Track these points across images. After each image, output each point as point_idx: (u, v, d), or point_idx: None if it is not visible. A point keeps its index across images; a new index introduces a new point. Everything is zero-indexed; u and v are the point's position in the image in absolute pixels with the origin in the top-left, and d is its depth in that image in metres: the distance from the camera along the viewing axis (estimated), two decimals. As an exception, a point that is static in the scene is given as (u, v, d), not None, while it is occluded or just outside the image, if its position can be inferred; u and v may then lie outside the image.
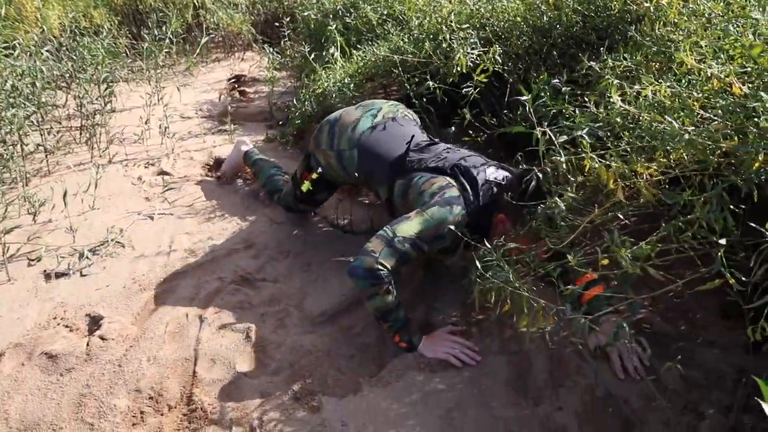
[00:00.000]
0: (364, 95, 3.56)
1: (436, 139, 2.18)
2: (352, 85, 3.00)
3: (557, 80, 1.75)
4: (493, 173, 1.91)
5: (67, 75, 3.75)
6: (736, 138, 1.27)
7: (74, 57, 3.71)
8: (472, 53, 2.52)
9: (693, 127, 1.34)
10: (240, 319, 1.99)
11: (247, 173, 3.00)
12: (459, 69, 2.43)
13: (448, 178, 1.90)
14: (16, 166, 2.92)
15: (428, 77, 2.63)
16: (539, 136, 1.50)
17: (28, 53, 3.53)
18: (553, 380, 1.66)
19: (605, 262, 1.28)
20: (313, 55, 3.62)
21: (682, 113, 1.41)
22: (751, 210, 1.30)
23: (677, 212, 1.30)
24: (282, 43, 4.10)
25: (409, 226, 1.78)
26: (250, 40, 5.14)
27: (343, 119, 2.21)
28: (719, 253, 1.16)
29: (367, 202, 2.70)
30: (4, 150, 2.89)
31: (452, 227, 1.76)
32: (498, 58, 2.42)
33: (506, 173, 1.93)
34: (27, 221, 2.63)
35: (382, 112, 2.23)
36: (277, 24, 4.39)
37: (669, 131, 1.34)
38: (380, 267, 1.73)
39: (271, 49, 3.99)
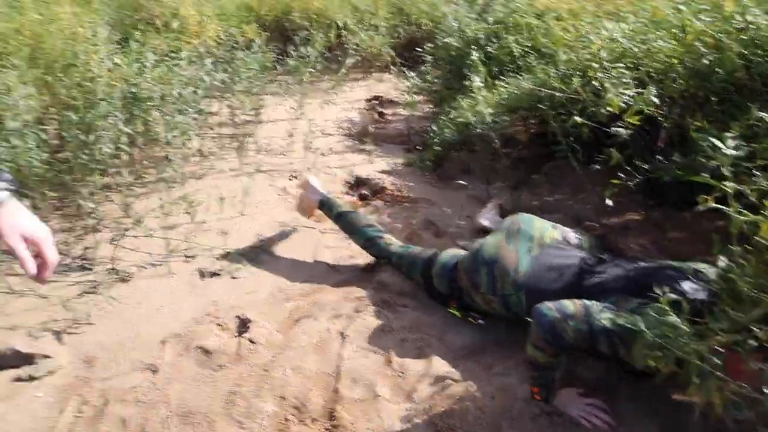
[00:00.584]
0: (505, 127, 3.58)
1: (604, 256, 1.96)
2: (493, 117, 3.00)
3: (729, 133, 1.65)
4: (693, 289, 1.61)
5: (223, 85, 4.03)
6: None
7: (230, 68, 3.99)
8: (626, 93, 2.46)
9: None
10: (381, 341, 2.05)
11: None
12: (610, 109, 2.38)
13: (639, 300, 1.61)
14: (179, 168, 3.18)
15: (575, 113, 2.60)
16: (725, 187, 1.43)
17: (190, 63, 3.83)
18: None
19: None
20: (452, 83, 3.68)
21: None
22: None
23: None
24: (421, 67, 4.18)
25: (614, 317, 1.57)
26: (388, 62, 5.29)
27: (501, 262, 1.98)
28: None
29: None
30: (171, 152, 3.16)
31: None
32: (654, 99, 2.34)
33: (704, 289, 1.61)
34: (185, 220, 2.85)
35: (536, 240, 2.03)
36: (416, 48, 4.49)
37: None
38: (565, 331, 1.61)
39: (412, 74, 4.09)
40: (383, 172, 3.35)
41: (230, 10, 6.06)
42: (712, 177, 1.49)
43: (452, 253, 2.24)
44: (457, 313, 2.12)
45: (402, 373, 1.92)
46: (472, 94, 3.32)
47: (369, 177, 3.28)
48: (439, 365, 1.92)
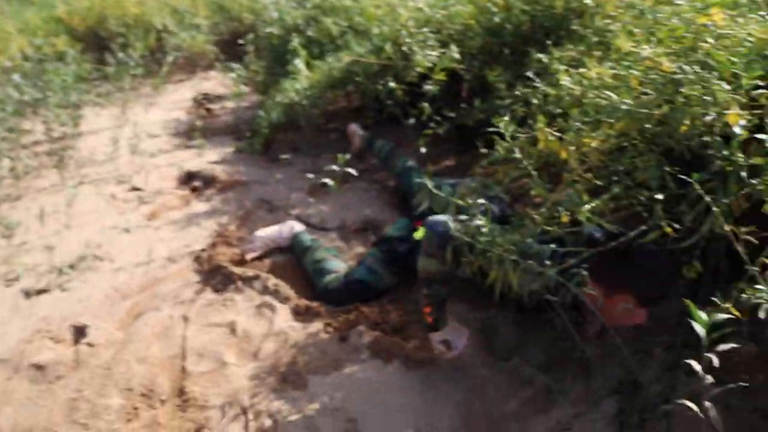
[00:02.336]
0: (327, 103, 3.69)
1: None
2: (315, 92, 3.10)
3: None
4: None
5: (33, 101, 3.78)
6: (666, 107, 1.43)
7: (40, 83, 3.75)
8: (431, 54, 2.68)
9: (631, 101, 1.49)
10: (223, 315, 2.07)
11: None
12: (419, 70, 2.57)
13: None
14: (-12, 191, 2.96)
15: (390, 79, 2.78)
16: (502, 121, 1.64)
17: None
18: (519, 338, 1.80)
19: (565, 219, 1.42)
20: (275, 70, 3.74)
21: (621, 90, 1.56)
22: (686, 167, 1.45)
23: (624, 175, 1.45)
24: (245, 58, 4.19)
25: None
26: (212, 60, 5.22)
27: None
28: (658, 207, 1.31)
29: (335, 200, 2.80)
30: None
31: None
32: (456, 56, 2.57)
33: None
34: (2, 244, 2.66)
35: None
36: (239, 42, 4.48)
37: (611, 105, 1.50)
38: (455, 236, 1.64)
39: (236, 65, 4.09)
40: (214, 162, 3.33)
41: (36, 24, 5.68)
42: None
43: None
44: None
45: (247, 338, 1.96)
46: (295, 77, 3.40)
47: (200, 169, 3.25)
48: (281, 324, 1.98)
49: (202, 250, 2.47)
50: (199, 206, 2.88)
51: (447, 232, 1.65)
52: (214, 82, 5.04)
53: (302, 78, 3.30)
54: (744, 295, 1.19)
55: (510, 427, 1.61)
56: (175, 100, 4.62)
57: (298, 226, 2.51)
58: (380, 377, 1.76)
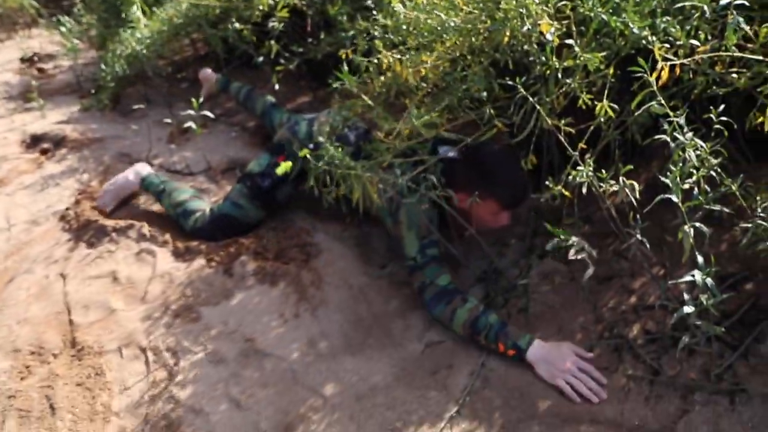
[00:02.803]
0: (174, 52, 3.63)
1: None
2: (159, 41, 3.06)
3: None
4: (444, 151, 1.90)
5: None
6: (489, 22, 1.66)
7: None
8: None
9: (458, 19, 1.70)
10: (103, 267, 2.09)
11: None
12: (261, 8, 2.63)
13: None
14: None
15: (233, 21, 2.81)
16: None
17: None
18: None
19: (407, 131, 1.62)
20: (110, 21, 3.59)
21: (450, 11, 1.77)
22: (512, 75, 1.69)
23: (458, 88, 1.68)
24: (73, 12, 3.94)
25: (410, 241, 1.77)
26: (34, 16, 4.83)
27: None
28: (488, 109, 1.56)
29: (197, 146, 2.83)
30: None
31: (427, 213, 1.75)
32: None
33: (456, 152, 1.88)
34: None
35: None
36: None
37: (441, 25, 1.70)
38: (442, 284, 1.72)
39: (66, 19, 3.84)
40: (60, 123, 3.18)
41: None
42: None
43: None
44: (287, 168, 1.90)
45: (131, 284, 2.01)
46: (133, 26, 3.29)
47: (46, 131, 3.10)
48: (164, 266, 2.05)
49: (67, 208, 2.42)
50: (54, 167, 2.78)
51: (440, 293, 1.71)
52: (41, 40, 4.68)
53: (141, 27, 3.22)
54: (570, 178, 1.45)
55: (394, 323, 1.84)
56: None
57: (145, 169, 2.48)
58: (269, 299, 1.91)
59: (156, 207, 2.43)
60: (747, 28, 1.33)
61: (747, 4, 1.29)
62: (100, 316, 1.91)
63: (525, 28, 1.53)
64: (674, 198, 1.17)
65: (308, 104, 3.03)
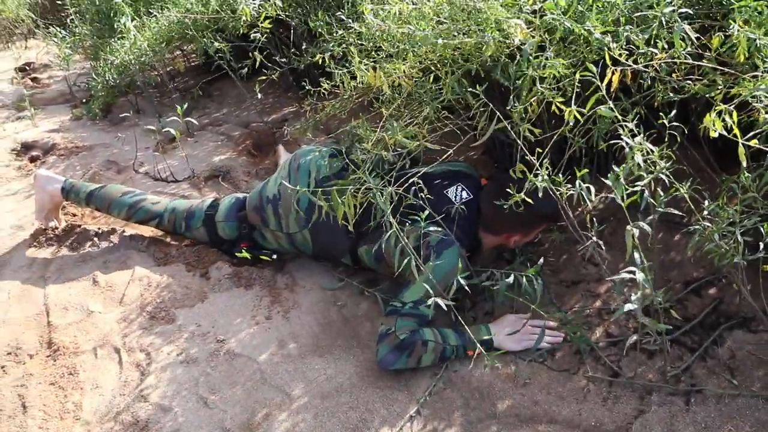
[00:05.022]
0: (166, 63, 3.69)
1: None
2: (151, 51, 3.11)
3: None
4: (456, 194, 1.85)
5: None
6: (462, 36, 1.71)
7: None
8: (254, 2, 2.79)
9: (429, 30, 1.75)
10: (82, 270, 2.13)
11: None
12: (245, 19, 2.69)
13: (419, 227, 1.58)
14: None
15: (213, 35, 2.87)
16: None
17: None
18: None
19: (392, 141, 1.66)
20: (103, 32, 3.65)
21: (422, 22, 1.82)
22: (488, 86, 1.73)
23: (432, 98, 1.72)
24: (68, 22, 4.02)
25: (415, 291, 1.66)
26: (31, 27, 4.91)
27: (284, 200, 1.97)
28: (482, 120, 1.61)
29: (183, 154, 2.88)
30: None
31: (458, 273, 1.47)
32: (278, 2, 2.71)
33: (465, 188, 1.87)
34: None
35: (313, 176, 1.95)
36: (58, 4, 4.26)
37: (414, 36, 1.75)
38: (402, 337, 1.62)
39: (59, 30, 3.92)
40: (51, 131, 3.25)
41: None
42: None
43: (233, 196, 2.18)
44: (247, 256, 2.07)
45: (110, 287, 2.05)
46: (124, 36, 3.35)
47: (36, 140, 3.16)
48: (142, 272, 2.09)
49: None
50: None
51: (396, 347, 1.62)
52: (37, 50, 4.77)
53: (131, 37, 3.28)
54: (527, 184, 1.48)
55: (362, 326, 1.87)
56: (-5, 72, 4.35)
57: (50, 176, 2.35)
58: (243, 302, 1.95)
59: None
60: (694, 37, 1.37)
61: (691, 13, 1.33)
62: (78, 317, 1.94)
63: (502, 38, 1.57)
64: (617, 198, 1.21)
65: (294, 114, 3.08)
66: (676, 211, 1.37)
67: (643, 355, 1.59)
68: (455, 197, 1.84)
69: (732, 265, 1.30)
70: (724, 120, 1.20)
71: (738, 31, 1.38)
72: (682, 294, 1.74)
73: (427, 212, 1.54)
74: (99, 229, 2.31)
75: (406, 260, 1.43)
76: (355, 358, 1.71)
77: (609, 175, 1.25)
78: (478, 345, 1.56)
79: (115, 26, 3.47)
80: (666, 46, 1.49)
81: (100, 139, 3.11)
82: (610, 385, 1.53)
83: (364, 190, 1.64)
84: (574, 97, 1.51)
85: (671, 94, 1.58)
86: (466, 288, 1.47)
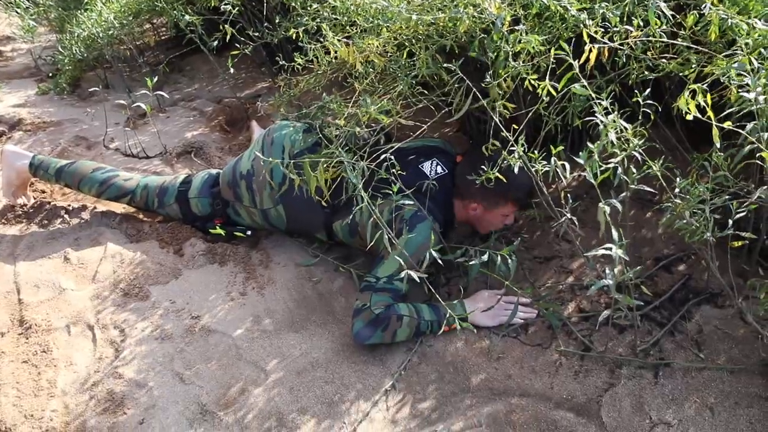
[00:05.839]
0: (135, 37, 3.60)
1: None
2: (119, 23, 3.04)
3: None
4: (431, 168, 1.86)
5: None
6: (436, 11, 1.69)
7: None
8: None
9: (404, 5, 1.74)
10: (53, 247, 2.09)
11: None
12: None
13: (392, 201, 1.66)
14: None
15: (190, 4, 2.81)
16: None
17: None
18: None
19: (365, 118, 1.65)
20: (69, 3, 3.55)
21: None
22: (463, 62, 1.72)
23: (406, 74, 1.71)
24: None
25: (389, 266, 1.67)
26: (-9, -2, 4.74)
27: (258, 173, 1.95)
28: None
29: (154, 130, 2.83)
30: None
31: (432, 248, 1.49)
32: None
33: (440, 163, 1.87)
34: None
35: (287, 150, 1.92)
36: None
37: (388, 11, 1.73)
38: (377, 311, 1.63)
39: (23, 0, 3.80)
40: (16, 106, 3.16)
41: None
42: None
43: (206, 172, 2.17)
44: (221, 232, 2.05)
45: (82, 264, 2.01)
46: (91, 8, 3.26)
47: (1, 115, 3.07)
48: (115, 249, 2.06)
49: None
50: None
51: (371, 322, 1.63)
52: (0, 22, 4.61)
53: (99, 9, 3.19)
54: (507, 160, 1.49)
55: (337, 301, 1.88)
56: (-46, 45, 4.20)
57: (17, 152, 2.30)
58: (217, 278, 1.94)
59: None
60: (670, 14, 1.38)
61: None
62: (50, 295, 1.91)
63: (476, 14, 1.56)
64: (589, 176, 1.22)
65: (267, 89, 3.04)
66: (649, 189, 1.39)
67: (614, 329, 1.62)
68: (430, 172, 1.85)
69: (702, 241, 1.33)
70: (697, 100, 1.22)
71: (710, 9, 1.40)
72: (652, 270, 1.78)
73: (398, 186, 1.55)
74: (69, 205, 2.27)
75: (378, 234, 1.44)
76: (330, 333, 1.72)
77: (580, 152, 1.27)
78: (454, 319, 1.60)
79: (83, -2, 3.39)
80: (642, 24, 1.50)
81: (69, 115, 3.03)
82: (581, 359, 1.57)
83: (335, 164, 1.64)
84: (548, 73, 1.52)
85: (646, 72, 1.59)
86: (440, 262, 1.49)
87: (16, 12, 3.63)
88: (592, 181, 1.23)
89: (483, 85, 1.57)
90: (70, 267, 2.01)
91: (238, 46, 2.59)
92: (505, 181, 1.57)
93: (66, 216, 2.23)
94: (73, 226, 2.19)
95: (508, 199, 1.79)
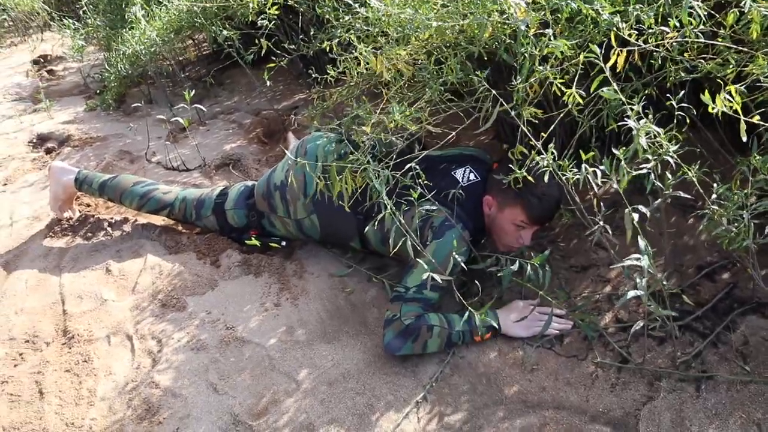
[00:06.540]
0: (177, 53, 3.70)
1: None
2: (161, 40, 3.12)
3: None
4: (464, 175, 1.85)
5: None
6: (466, 18, 1.68)
7: None
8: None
9: (432, 14, 1.73)
10: (97, 260, 2.16)
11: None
12: (253, 6, 2.67)
13: (422, 209, 1.59)
14: None
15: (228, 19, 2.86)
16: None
17: None
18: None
19: (392, 125, 1.65)
20: (115, 23, 3.67)
21: (425, 5, 1.79)
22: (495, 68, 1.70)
23: (434, 82, 1.70)
24: (82, 13, 4.05)
25: (418, 275, 1.65)
26: (46, 20, 4.96)
27: (291, 186, 1.98)
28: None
29: (194, 143, 2.89)
30: None
31: (459, 255, 1.54)
32: (284, -11, 2.69)
33: (473, 170, 1.86)
34: None
35: (320, 159, 1.95)
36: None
37: (416, 19, 1.73)
38: (407, 322, 1.61)
39: (73, 21, 3.95)
40: (66, 123, 3.29)
41: None
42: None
43: (242, 184, 2.20)
44: (257, 243, 2.08)
45: (123, 276, 2.07)
46: (134, 26, 3.37)
47: (51, 131, 3.20)
48: (154, 260, 2.11)
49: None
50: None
51: (402, 333, 1.61)
52: (53, 43, 4.81)
53: (142, 27, 3.29)
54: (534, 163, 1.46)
55: (370, 312, 1.87)
56: (11, 64, 4.39)
57: (63, 167, 2.38)
58: (252, 289, 1.96)
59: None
60: (706, 14, 1.34)
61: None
62: (92, 306, 1.97)
63: (502, 20, 1.54)
64: (614, 182, 1.19)
65: (304, 101, 3.08)
66: (685, 195, 1.34)
67: (653, 341, 1.57)
68: (462, 179, 1.83)
69: (742, 249, 1.28)
70: (726, 98, 1.17)
71: (752, 6, 1.34)
72: (695, 279, 1.71)
73: (420, 192, 1.55)
74: (112, 218, 2.34)
75: (401, 241, 1.43)
76: (362, 344, 1.72)
77: (603, 159, 1.23)
78: (485, 329, 1.58)
79: (126, 16, 3.50)
80: (678, 25, 1.46)
81: (114, 130, 3.13)
82: (618, 371, 1.52)
83: (362, 171, 1.64)
84: (577, 78, 1.49)
85: (683, 74, 1.54)
86: (464, 267, 1.49)
87: (68, 33, 3.78)
88: (617, 187, 1.19)
89: (508, 89, 1.54)
90: (112, 278, 2.07)
91: (275, 59, 2.64)
92: (525, 184, 1.55)
93: (109, 229, 2.30)
94: (115, 238, 2.25)
95: (519, 201, 1.72)
